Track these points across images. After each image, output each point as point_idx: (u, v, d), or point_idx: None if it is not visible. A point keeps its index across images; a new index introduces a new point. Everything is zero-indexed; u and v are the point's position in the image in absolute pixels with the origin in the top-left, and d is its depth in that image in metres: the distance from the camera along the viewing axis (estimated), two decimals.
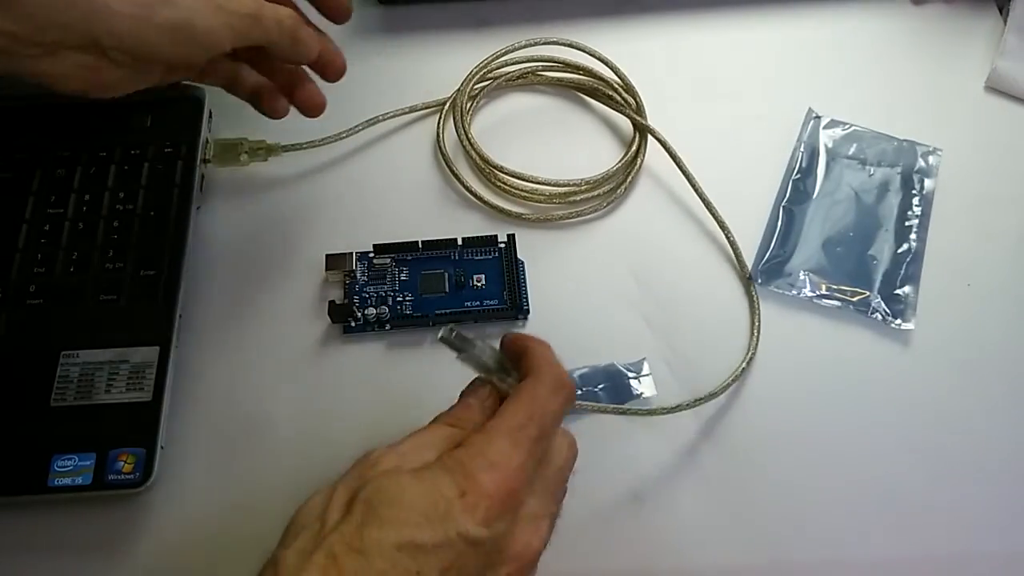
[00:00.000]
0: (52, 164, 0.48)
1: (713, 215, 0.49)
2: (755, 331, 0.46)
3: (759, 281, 0.48)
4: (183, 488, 0.41)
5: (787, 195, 0.51)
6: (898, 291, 0.47)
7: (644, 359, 0.45)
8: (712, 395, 0.43)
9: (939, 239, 0.49)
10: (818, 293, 0.47)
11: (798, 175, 0.52)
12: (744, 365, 0.45)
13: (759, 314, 0.46)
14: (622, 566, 0.41)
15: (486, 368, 0.34)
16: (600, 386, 0.44)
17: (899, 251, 0.49)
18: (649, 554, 0.41)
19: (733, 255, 0.48)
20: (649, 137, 0.52)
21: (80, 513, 0.41)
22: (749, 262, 0.49)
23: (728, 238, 0.48)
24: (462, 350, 0.34)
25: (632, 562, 0.41)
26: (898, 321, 0.47)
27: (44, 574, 0.40)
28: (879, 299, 0.47)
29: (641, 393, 0.44)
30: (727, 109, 0.54)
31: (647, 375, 0.45)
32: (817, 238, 0.49)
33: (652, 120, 0.52)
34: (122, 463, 0.40)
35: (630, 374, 0.45)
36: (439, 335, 0.34)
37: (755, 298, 0.47)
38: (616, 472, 0.43)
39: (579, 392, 0.44)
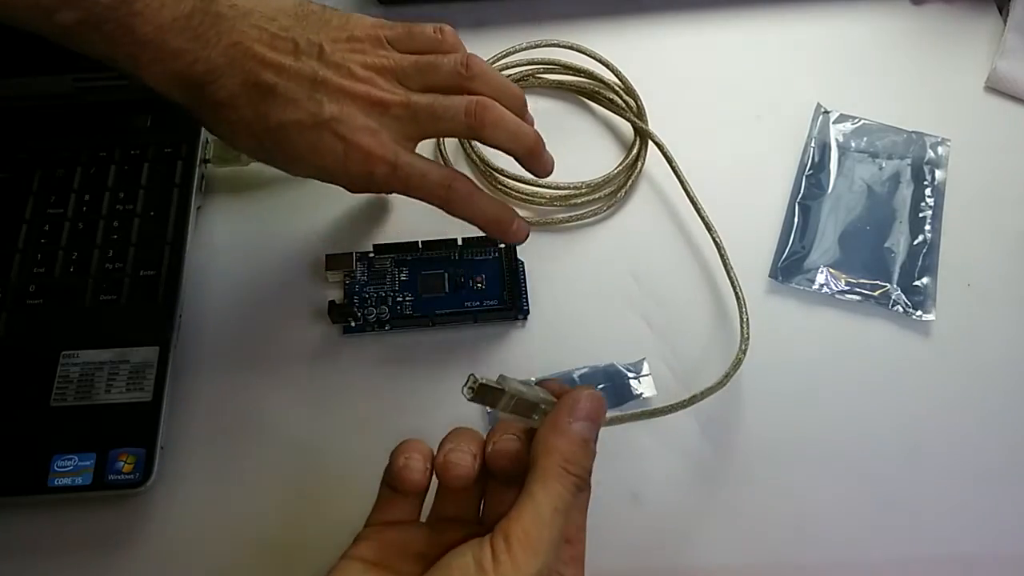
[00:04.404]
0: (52, 164, 0.48)
1: (703, 220, 0.48)
2: (744, 328, 0.45)
3: (779, 279, 0.48)
4: (183, 488, 0.41)
5: (801, 191, 0.51)
6: (917, 283, 0.48)
7: (644, 359, 0.45)
8: (709, 391, 0.42)
9: (948, 232, 0.50)
10: (839, 288, 0.47)
11: (811, 171, 0.52)
12: (733, 365, 0.44)
13: (746, 310, 0.45)
14: (621, 566, 0.41)
15: (528, 407, 0.31)
16: (600, 386, 0.44)
17: (915, 243, 0.49)
18: (648, 554, 0.41)
19: (721, 262, 0.47)
20: (649, 140, 0.52)
21: (80, 513, 0.41)
22: (762, 259, 0.48)
23: (716, 243, 0.48)
24: (496, 400, 0.31)
25: (631, 562, 0.41)
26: (919, 312, 0.47)
27: (44, 574, 0.40)
28: (899, 291, 0.47)
29: (641, 393, 0.44)
30: (731, 109, 0.54)
31: (647, 375, 0.45)
32: (834, 233, 0.49)
33: (655, 122, 0.52)
34: (122, 463, 0.40)
35: (630, 374, 0.45)
36: (468, 393, 0.30)
37: (741, 297, 0.46)
38: (615, 471, 0.42)
39: None
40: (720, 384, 0.42)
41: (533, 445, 0.30)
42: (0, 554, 0.40)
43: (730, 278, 0.46)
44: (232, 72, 0.38)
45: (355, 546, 0.32)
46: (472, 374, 0.30)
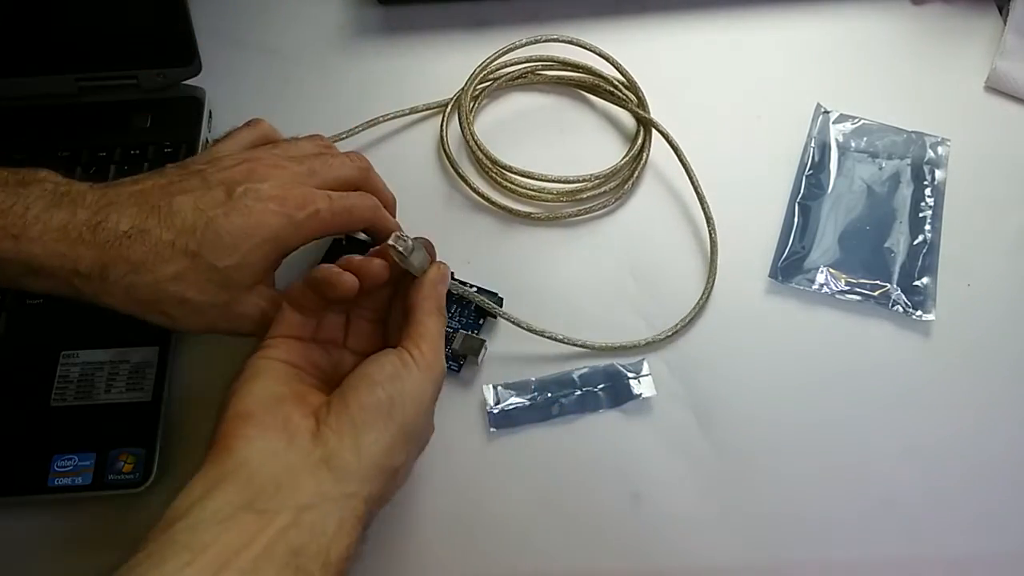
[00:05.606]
0: (52, 164, 0.48)
1: (704, 210, 0.49)
2: (710, 279, 0.47)
3: (779, 278, 0.48)
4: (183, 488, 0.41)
5: (801, 191, 0.51)
6: (917, 283, 0.48)
7: (644, 359, 0.45)
8: (666, 336, 0.46)
9: (948, 232, 0.50)
10: (839, 288, 0.47)
11: (811, 171, 0.52)
12: (694, 311, 0.46)
13: (717, 251, 0.48)
14: (620, 565, 0.41)
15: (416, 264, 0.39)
16: (600, 386, 0.44)
17: (915, 243, 0.49)
18: (648, 553, 0.41)
19: (709, 251, 0.48)
20: (653, 131, 0.52)
21: (80, 513, 0.41)
22: (762, 259, 0.49)
23: (711, 236, 0.48)
24: (407, 256, 0.38)
25: (631, 562, 0.41)
26: (919, 312, 0.47)
27: (44, 574, 0.40)
28: (899, 291, 0.47)
29: (641, 393, 0.44)
30: (731, 109, 0.54)
31: (647, 375, 0.45)
32: (833, 233, 0.49)
33: (656, 120, 0.52)
34: (122, 463, 0.40)
35: (630, 374, 0.45)
36: (391, 242, 0.38)
37: (715, 246, 0.48)
38: (615, 471, 0.43)
39: (579, 392, 0.44)
40: (662, 337, 0.46)
41: (414, 292, 0.39)
42: (0, 554, 0.40)
43: (713, 266, 0.48)
44: (121, 209, 0.36)
45: (265, 350, 0.37)
46: (397, 232, 0.39)
